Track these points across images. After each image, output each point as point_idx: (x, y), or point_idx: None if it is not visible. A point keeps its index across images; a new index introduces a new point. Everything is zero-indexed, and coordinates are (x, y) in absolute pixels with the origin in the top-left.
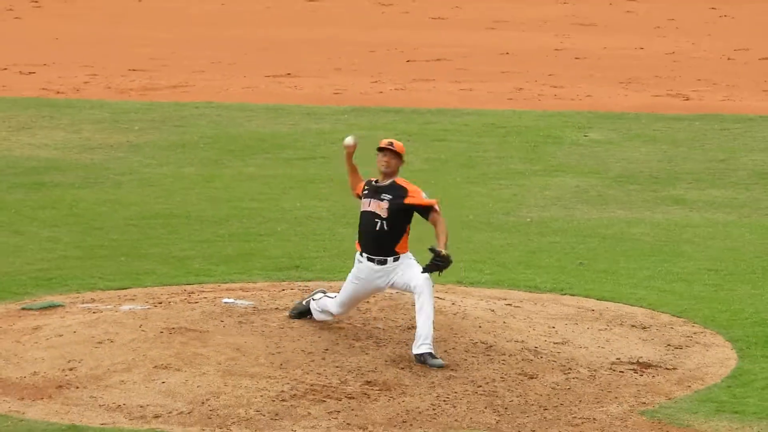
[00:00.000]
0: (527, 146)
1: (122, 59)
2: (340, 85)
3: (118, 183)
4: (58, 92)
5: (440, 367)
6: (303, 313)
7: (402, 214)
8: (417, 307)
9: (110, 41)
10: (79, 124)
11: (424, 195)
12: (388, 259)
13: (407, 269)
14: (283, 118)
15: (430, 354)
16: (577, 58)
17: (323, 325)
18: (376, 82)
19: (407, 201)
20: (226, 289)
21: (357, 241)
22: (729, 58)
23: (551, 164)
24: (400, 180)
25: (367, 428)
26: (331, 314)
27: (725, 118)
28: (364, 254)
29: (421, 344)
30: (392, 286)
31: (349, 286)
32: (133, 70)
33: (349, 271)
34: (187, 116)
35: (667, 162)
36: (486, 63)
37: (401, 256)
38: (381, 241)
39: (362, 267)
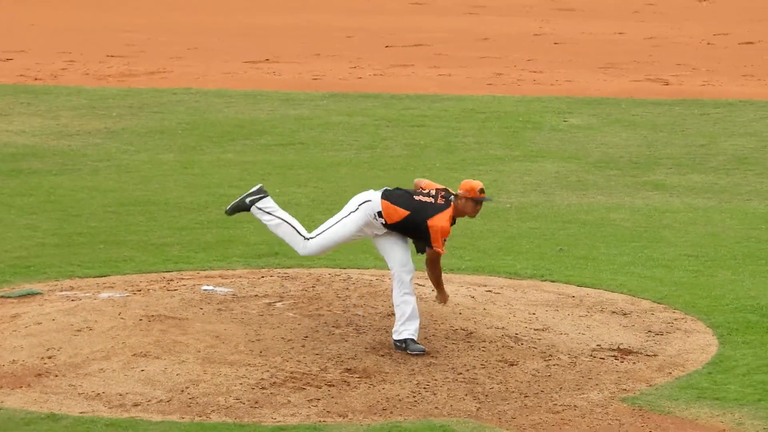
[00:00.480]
0: (507, 132)
1: (100, 45)
2: (318, 71)
3: (95, 169)
4: (35, 79)
5: (421, 353)
6: (240, 209)
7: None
8: (396, 293)
9: (88, 27)
10: (57, 110)
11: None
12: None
13: (396, 241)
14: (261, 104)
15: (412, 340)
16: (556, 43)
17: (303, 312)
18: (354, 67)
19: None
20: (206, 277)
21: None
22: (709, 43)
23: (531, 150)
24: (447, 212)
25: (347, 416)
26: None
27: (705, 102)
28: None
29: (404, 330)
30: (373, 236)
31: (343, 229)
32: (111, 56)
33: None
34: (165, 102)
35: (647, 147)
36: (465, 48)
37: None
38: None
39: (374, 222)
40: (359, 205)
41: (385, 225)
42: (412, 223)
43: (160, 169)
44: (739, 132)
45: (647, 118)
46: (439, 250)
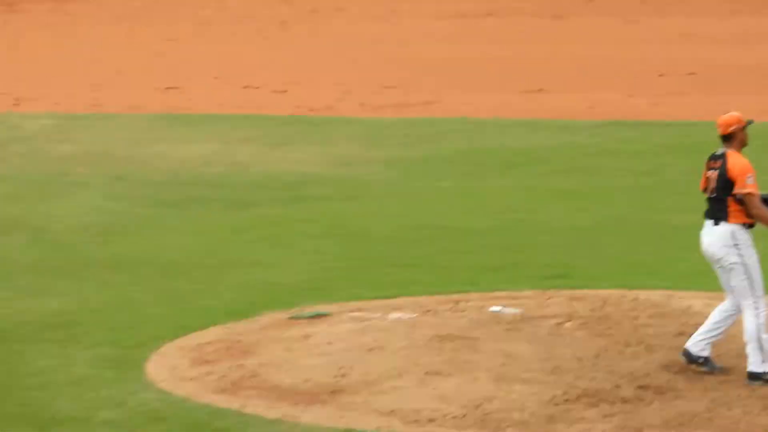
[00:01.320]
0: None
1: (374, 77)
2: (592, 100)
3: (376, 196)
4: (310, 110)
5: (715, 370)
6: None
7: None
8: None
9: (361, 59)
10: (334, 140)
11: (748, 180)
12: (720, 222)
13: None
14: (537, 132)
15: (710, 359)
16: None
17: (593, 332)
18: (630, 96)
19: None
20: (493, 298)
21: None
22: None
23: None
24: (731, 153)
25: (642, 430)
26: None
27: None
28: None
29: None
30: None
31: (753, 271)
32: (387, 87)
33: None
34: (440, 132)
35: None
36: (737, 76)
37: (730, 225)
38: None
39: (739, 235)
40: (717, 253)
41: (743, 225)
42: (725, 186)
43: (441, 195)
44: None
45: None
46: (747, 190)
